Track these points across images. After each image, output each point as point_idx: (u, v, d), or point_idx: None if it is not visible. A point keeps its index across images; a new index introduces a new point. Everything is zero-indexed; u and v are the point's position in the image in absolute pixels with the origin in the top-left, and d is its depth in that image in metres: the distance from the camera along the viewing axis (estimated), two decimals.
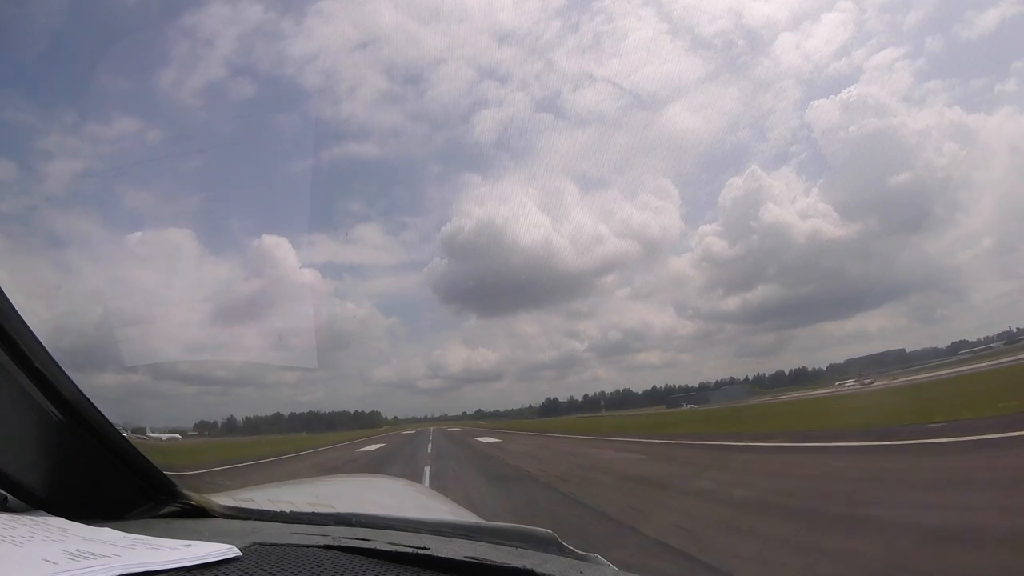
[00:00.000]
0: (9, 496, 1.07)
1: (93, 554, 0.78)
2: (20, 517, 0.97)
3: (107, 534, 0.92)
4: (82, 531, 0.94)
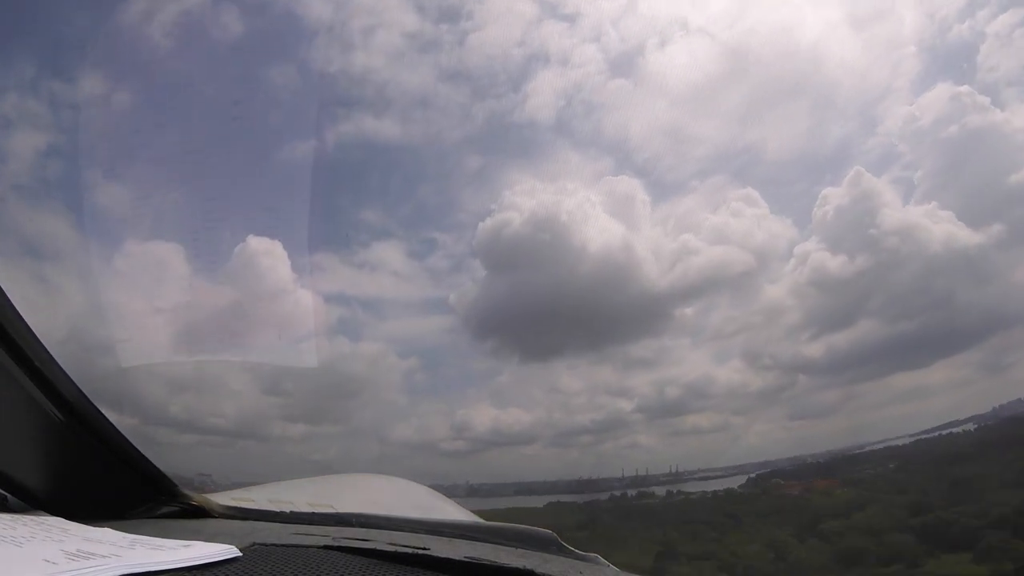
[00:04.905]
0: (9, 496, 1.08)
1: (93, 554, 0.78)
2: (20, 517, 0.97)
3: (107, 534, 0.92)
4: (82, 531, 0.94)
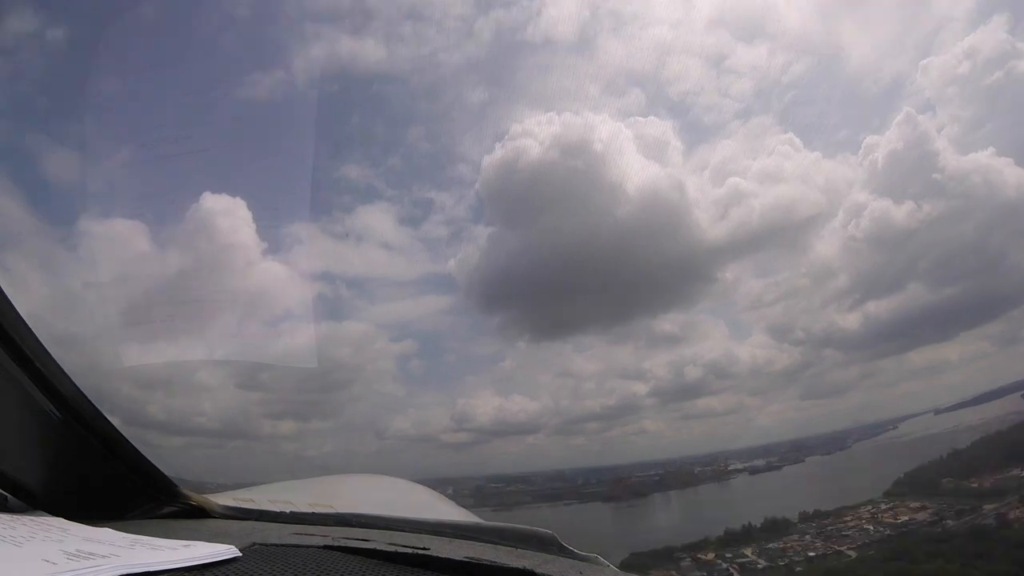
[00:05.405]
0: (9, 496, 1.07)
1: (93, 554, 0.78)
2: (20, 517, 0.97)
3: (107, 534, 0.92)
4: (82, 531, 0.94)
